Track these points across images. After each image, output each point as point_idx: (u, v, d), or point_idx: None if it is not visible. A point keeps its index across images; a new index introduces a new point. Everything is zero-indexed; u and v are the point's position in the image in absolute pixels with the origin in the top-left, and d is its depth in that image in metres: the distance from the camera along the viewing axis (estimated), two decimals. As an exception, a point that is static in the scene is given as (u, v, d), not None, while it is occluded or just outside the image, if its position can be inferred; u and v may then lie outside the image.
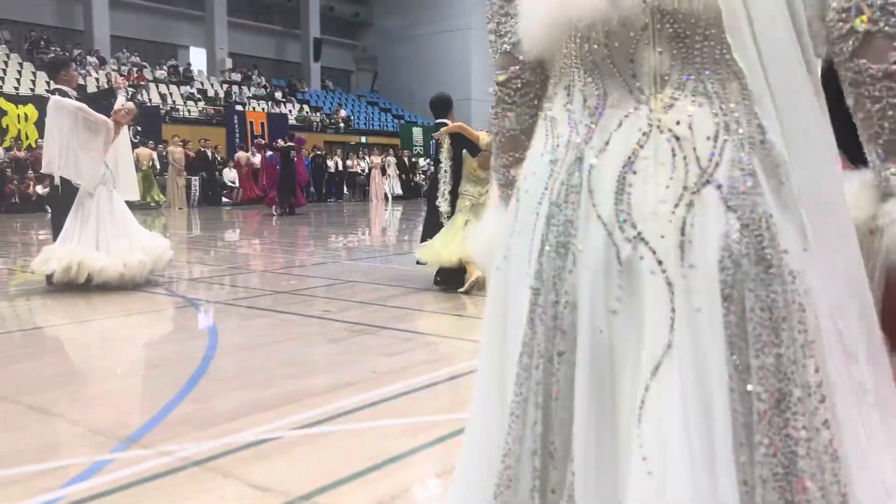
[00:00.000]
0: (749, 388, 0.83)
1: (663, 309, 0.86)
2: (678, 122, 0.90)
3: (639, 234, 0.89)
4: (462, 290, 5.89)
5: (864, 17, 0.87)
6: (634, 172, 0.90)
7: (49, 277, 6.04)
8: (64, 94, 6.14)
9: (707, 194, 0.87)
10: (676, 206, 0.88)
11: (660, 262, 0.88)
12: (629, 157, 0.91)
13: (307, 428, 2.87)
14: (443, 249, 5.77)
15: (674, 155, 0.89)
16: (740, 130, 0.89)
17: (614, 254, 0.90)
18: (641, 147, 0.91)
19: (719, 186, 0.87)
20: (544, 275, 0.95)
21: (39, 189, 16.09)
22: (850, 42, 0.88)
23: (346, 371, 3.70)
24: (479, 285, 5.89)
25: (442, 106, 6.44)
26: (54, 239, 6.25)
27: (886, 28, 0.86)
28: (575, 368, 0.92)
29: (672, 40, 0.91)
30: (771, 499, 0.82)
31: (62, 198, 6.23)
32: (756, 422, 0.83)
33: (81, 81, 16.66)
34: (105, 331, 5.01)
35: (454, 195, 6.02)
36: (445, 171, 6.00)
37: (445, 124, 6.23)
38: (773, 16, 0.87)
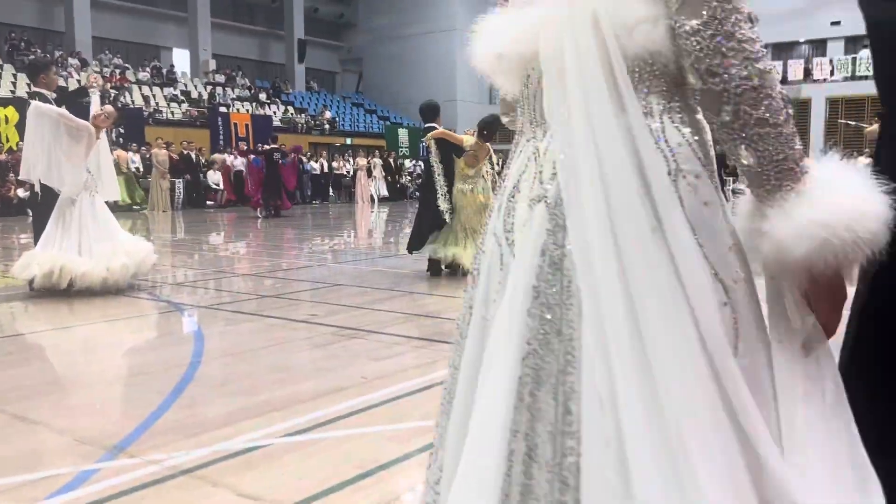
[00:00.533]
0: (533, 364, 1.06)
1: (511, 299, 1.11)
2: (545, 149, 1.13)
3: (513, 240, 1.14)
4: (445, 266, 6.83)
5: (696, 78, 1.03)
6: (519, 191, 1.15)
7: (30, 283, 5.97)
8: (43, 97, 6.06)
9: (540, 207, 1.10)
10: (527, 218, 1.12)
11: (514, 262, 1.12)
12: (518, 179, 1.16)
13: (296, 435, 2.86)
14: (460, 250, 6.70)
15: (533, 176, 1.13)
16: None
17: (499, 255, 1.16)
18: (524, 171, 1.16)
19: (548, 201, 1.09)
20: (475, 271, 1.23)
21: (21, 192, 15.90)
22: (696, 96, 1.05)
23: (334, 376, 3.68)
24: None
25: (430, 112, 7.23)
26: (35, 243, 6.18)
27: (712, 87, 1.01)
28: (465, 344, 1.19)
29: (558, 79, 1.09)
30: (532, 453, 1.04)
31: (43, 201, 6.16)
32: (527, 393, 1.06)
33: (63, 83, 16.53)
34: (89, 337, 4.96)
35: (450, 195, 6.82)
36: (439, 175, 6.79)
37: (434, 128, 6.97)
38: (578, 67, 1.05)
